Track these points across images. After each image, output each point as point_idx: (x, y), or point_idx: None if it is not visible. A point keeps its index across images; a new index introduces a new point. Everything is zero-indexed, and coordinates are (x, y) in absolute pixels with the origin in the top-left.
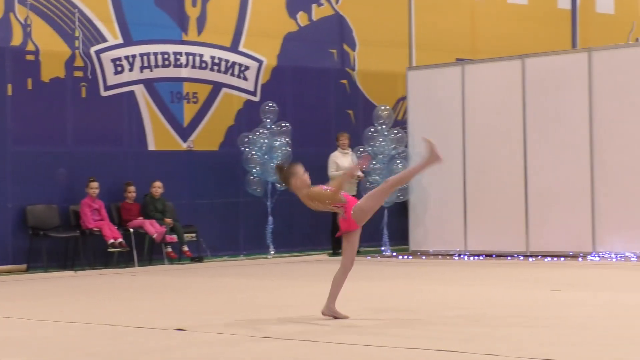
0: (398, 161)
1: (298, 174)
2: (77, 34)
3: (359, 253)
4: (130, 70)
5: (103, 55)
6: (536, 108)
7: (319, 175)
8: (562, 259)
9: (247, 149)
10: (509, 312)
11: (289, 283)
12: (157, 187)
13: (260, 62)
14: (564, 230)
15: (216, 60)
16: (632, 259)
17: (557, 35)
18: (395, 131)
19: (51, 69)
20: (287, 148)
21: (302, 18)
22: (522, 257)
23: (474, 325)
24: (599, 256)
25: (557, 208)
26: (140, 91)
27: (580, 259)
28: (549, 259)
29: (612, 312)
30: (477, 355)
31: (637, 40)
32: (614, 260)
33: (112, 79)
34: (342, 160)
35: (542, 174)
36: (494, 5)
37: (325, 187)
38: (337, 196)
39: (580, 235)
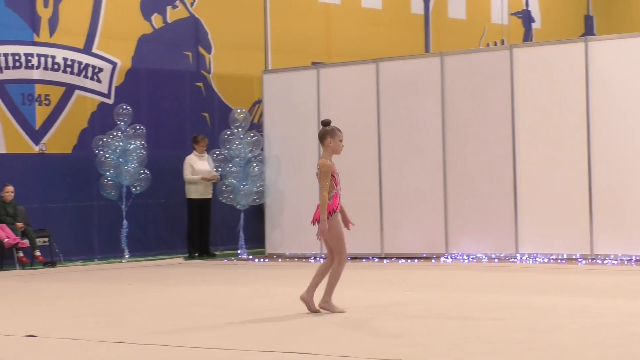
0: (254, 164)
1: (336, 137)
2: None
3: (214, 257)
4: None
5: None
6: (390, 111)
7: (175, 178)
8: (416, 260)
9: (101, 152)
10: (365, 314)
11: (144, 287)
12: (9, 191)
13: (114, 64)
14: (418, 232)
15: (69, 62)
16: (483, 260)
17: (410, 39)
18: (252, 134)
19: None
20: (142, 151)
21: (156, 20)
22: (376, 259)
23: (331, 326)
24: (451, 257)
25: (411, 210)
26: None
27: (433, 261)
28: (403, 260)
29: (463, 313)
30: (330, 357)
31: (488, 45)
32: (466, 261)
33: None
34: (198, 163)
35: (396, 176)
36: (349, 10)
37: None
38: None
39: (433, 237)
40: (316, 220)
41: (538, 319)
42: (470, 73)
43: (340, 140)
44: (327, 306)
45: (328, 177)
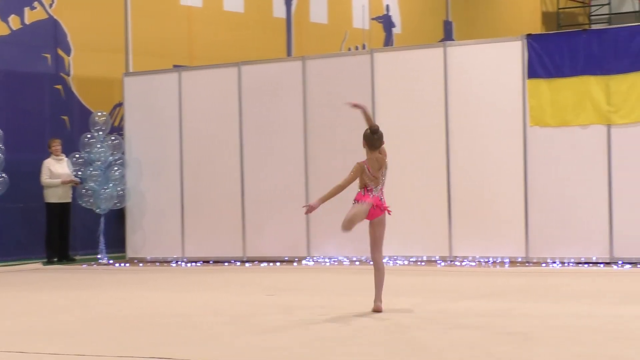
0: (115, 168)
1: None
2: None
3: (74, 262)
4: None
5: None
6: (252, 115)
7: (33, 181)
8: (278, 264)
9: None
10: (224, 318)
11: (1, 293)
12: None
13: None
14: (280, 235)
15: None
16: (344, 262)
17: (272, 43)
18: (113, 137)
19: None
20: (0, 155)
21: (14, 21)
22: (239, 263)
23: (191, 330)
24: (313, 260)
25: (273, 214)
26: None
27: (295, 264)
28: (265, 264)
29: (327, 315)
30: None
31: (349, 49)
32: (328, 264)
33: None
34: (56, 167)
35: (258, 180)
36: (211, 13)
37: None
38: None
39: (296, 240)
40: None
41: (398, 320)
42: (331, 77)
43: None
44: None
45: (355, 174)
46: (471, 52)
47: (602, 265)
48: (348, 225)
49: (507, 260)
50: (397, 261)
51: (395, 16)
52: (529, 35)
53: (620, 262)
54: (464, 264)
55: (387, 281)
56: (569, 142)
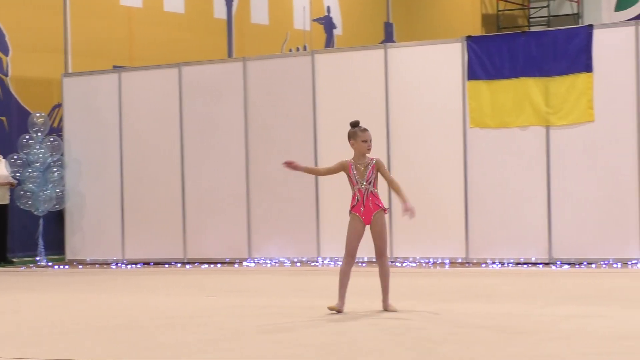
0: (54, 169)
1: (359, 138)
2: None
3: (12, 264)
4: None
5: None
6: (193, 116)
7: None
8: (219, 265)
9: None
10: (163, 320)
11: None
12: None
13: None
14: (221, 237)
15: None
16: (285, 264)
17: (213, 44)
18: (52, 139)
19: None
20: None
21: None
22: (179, 265)
23: (129, 332)
24: (254, 262)
25: (214, 215)
26: None
27: (236, 265)
28: (206, 265)
29: (265, 317)
30: None
31: (290, 50)
32: (269, 265)
33: None
34: None
35: (199, 181)
36: (151, 13)
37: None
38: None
39: (237, 242)
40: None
41: (337, 321)
42: (272, 78)
43: (364, 141)
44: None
45: (335, 169)
46: (412, 53)
47: (541, 265)
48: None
49: (447, 261)
50: (338, 262)
51: (336, 17)
52: (468, 37)
53: (558, 262)
54: (404, 264)
55: (328, 283)
56: (508, 144)
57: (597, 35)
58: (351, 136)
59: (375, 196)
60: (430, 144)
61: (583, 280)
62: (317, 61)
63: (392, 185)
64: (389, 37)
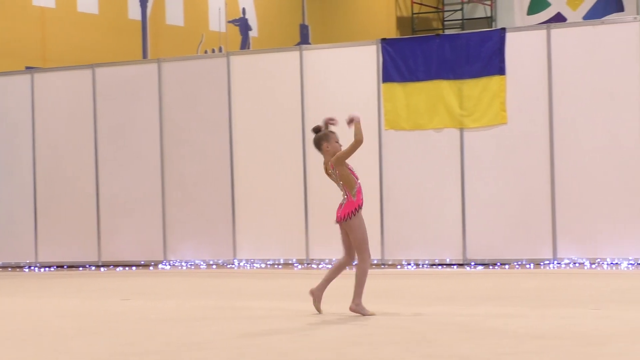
0: None
1: (332, 140)
2: None
3: None
4: None
5: None
6: (107, 118)
7: None
8: (134, 268)
9: None
10: (79, 323)
11: None
12: None
13: None
14: (136, 239)
15: None
16: (201, 266)
17: (128, 45)
18: None
19: None
20: None
21: None
22: (94, 267)
23: (39, 338)
24: (170, 264)
25: (128, 217)
26: None
27: (151, 268)
28: (121, 268)
29: (178, 320)
30: None
31: (206, 52)
32: (184, 268)
33: None
34: None
35: (114, 183)
36: (65, 14)
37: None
38: (359, 138)
39: (152, 244)
40: (342, 218)
41: (254, 323)
42: (188, 80)
43: (336, 142)
44: (358, 309)
45: (342, 163)
46: (327, 55)
47: (455, 266)
48: None
49: None
50: (255, 264)
51: (252, 19)
52: (383, 40)
53: (472, 263)
54: (320, 266)
55: (243, 285)
56: (423, 146)
57: (510, 39)
58: (324, 139)
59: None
60: (345, 146)
61: (497, 280)
62: (232, 63)
63: (354, 147)
64: (304, 39)
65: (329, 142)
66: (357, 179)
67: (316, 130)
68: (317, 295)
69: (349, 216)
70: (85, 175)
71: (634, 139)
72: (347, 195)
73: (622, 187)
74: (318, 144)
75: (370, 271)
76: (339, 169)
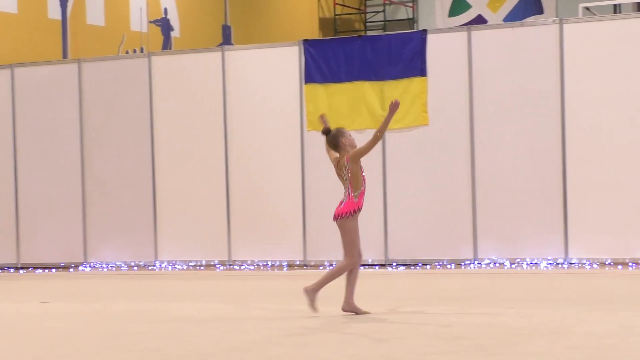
0: None
1: (346, 134)
2: None
3: None
4: None
5: None
6: (26, 118)
7: None
8: (54, 270)
9: None
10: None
11: None
12: None
13: None
14: (56, 241)
15: None
16: (122, 268)
17: (47, 45)
18: None
19: None
20: None
21: None
22: (12, 270)
23: None
24: (90, 266)
25: (48, 219)
26: None
27: (71, 270)
28: (41, 270)
29: (100, 322)
30: None
31: (127, 52)
32: (105, 270)
33: None
34: None
35: (33, 185)
36: None
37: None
38: (382, 133)
39: (72, 245)
40: (338, 216)
41: (177, 325)
42: (108, 80)
43: (350, 135)
44: (351, 308)
45: (359, 159)
46: (249, 56)
47: (377, 267)
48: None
49: (285, 263)
50: (176, 266)
51: (174, 19)
52: (305, 41)
53: (394, 264)
54: (242, 267)
55: (163, 285)
56: None
57: (431, 40)
58: (340, 135)
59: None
60: (268, 148)
61: (419, 281)
62: (154, 63)
63: (375, 141)
64: (227, 40)
65: (345, 137)
66: (364, 181)
67: (327, 131)
68: (312, 296)
69: (345, 215)
70: (3, 177)
71: (552, 140)
72: (349, 194)
73: (541, 188)
74: (336, 141)
75: (292, 272)
76: (353, 165)
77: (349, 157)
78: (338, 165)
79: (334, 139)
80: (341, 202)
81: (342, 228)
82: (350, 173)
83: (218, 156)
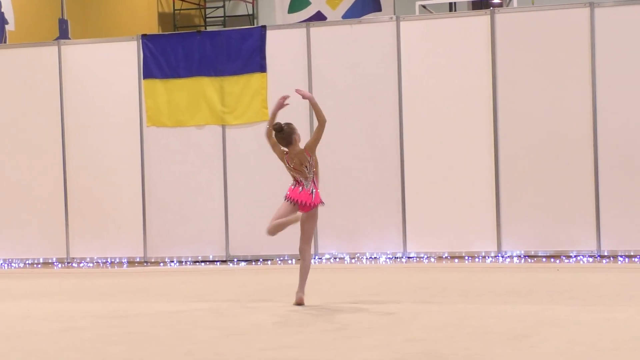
0: None
1: (297, 130)
2: None
3: None
4: None
5: None
6: None
7: None
8: None
9: None
10: None
11: None
12: None
13: None
14: None
15: None
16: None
17: None
18: None
19: None
20: None
21: None
22: None
23: None
24: None
25: None
26: None
27: None
28: None
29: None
30: None
31: None
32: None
33: None
34: None
35: None
36: None
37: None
38: (324, 118)
39: None
40: (313, 205)
41: (11, 325)
42: None
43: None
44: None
45: (272, 146)
46: (87, 51)
47: (218, 263)
48: (274, 230)
49: (125, 260)
50: (13, 264)
51: (9, 13)
52: (144, 36)
53: (235, 260)
54: (81, 265)
55: (1, 285)
56: (185, 143)
57: (271, 36)
58: (294, 132)
59: None
60: (107, 143)
61: (259, 277)
62: None
63: (322, 129)
64: (64, 34)
65: (296, 134)
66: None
67: (279, 127)
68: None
69: (321, 203)
70: None
71: (391, 136)
72: (315, 183)
73: (379, 183)
74: (290, 137)
75: (131, 269)
76: (314, 156)
77: (308, 150)
78: (292, 160)
79: (288, 136)
80: (306, 192)
81: (312, 216)
82: (314, 164)
83: (55, 153)
